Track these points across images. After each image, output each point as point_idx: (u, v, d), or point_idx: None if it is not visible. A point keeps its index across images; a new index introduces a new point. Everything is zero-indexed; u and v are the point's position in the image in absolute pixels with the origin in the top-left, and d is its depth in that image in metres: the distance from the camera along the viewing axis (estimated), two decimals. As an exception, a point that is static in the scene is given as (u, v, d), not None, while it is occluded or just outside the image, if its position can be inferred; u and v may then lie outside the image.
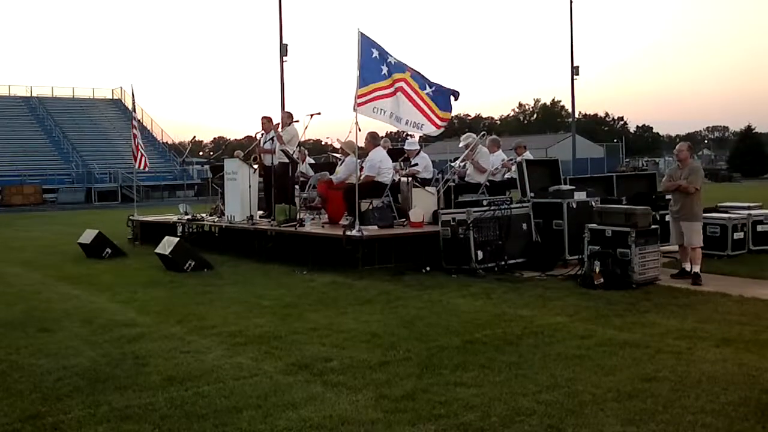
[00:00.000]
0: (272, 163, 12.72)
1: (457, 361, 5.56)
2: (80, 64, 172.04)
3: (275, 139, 12.55)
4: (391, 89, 10.27)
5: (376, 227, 10.53)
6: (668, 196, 9.67)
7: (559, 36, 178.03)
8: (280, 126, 12.84)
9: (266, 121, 13.19)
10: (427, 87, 10.39)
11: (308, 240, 11.11)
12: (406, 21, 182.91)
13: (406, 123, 10.37)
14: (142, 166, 16.33)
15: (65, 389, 5.08)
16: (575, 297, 8.05)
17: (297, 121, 12.89)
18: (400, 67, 10.33)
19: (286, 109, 13.75)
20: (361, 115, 10.31)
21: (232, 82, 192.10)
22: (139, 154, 15.91)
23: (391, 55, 10.30)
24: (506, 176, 12.68)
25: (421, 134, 10.93)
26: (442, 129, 10.81)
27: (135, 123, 16.50)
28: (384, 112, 10.30)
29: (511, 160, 12.79)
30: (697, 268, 8.84)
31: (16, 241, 17.49)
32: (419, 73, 10.46)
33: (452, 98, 10.57)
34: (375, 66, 10.22)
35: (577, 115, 63.37)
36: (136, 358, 5.87)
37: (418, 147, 12.99)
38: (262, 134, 13.16)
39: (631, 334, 6.30)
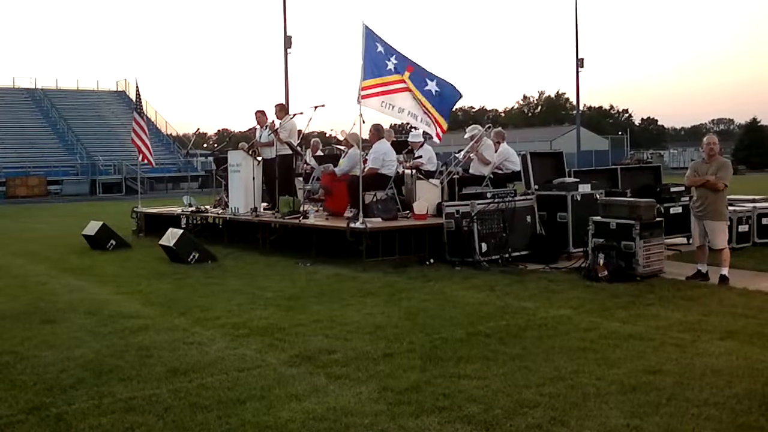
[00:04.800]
0: (275, 155, 12.69)
1: (461, 353, 5.56)
2: (84, 56, 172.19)
3: (273, 132, 12.52)
4: (402, 85, 10.23)
5: (379, 219, 10.52)
6: (692, 192, 8.96)
7: (564, 28, 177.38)
8: (275, 121, 12.83)
9: (260, 115, 13.36)
10: (428, 81, 10.28)
11: (312, 232, 11.11)
12: (410, 12, 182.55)
13: (421, 120, 10.32)
14: (142, 160, 16.30)
15: (69, 380, 5.09)
16: (579, 290, 8.04)
17: (301, 113, 12.87)
18: (402, 66, 10.24)
19: (278, 102, 13.69)
20: (366, 108, 10.28)
21: (236, 74, 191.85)
22: (141, 150, 15.83)
23: (394, 53, 10.23)
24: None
25: (429, 133, 10.86)
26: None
27: (137, 117, 16.38)
28: (392, 107, 10.25)
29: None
30: (725, 271, 8.25)
31: (20, 233, 17.54)
32: (421, 68, 10.37)
33: (455, 95, 10.51)
34: (380, 61, 10.17)
35: (581, 108, 63.22)
36: (140, 349, 5.88)
37: (422, 139, 12.94)
38: (257, 128, 13.26)
39: (635, 327, 6.29)
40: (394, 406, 4.44)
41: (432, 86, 10.31)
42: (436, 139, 10.80)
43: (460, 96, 10.63)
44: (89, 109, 53.36)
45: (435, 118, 10.28)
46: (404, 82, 10.23)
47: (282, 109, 13.08)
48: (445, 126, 10.44)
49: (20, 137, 47.18)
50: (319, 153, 15.32)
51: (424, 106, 10.26)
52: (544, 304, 7.36)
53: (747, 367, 5.10)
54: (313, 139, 15.17)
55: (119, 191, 42.15)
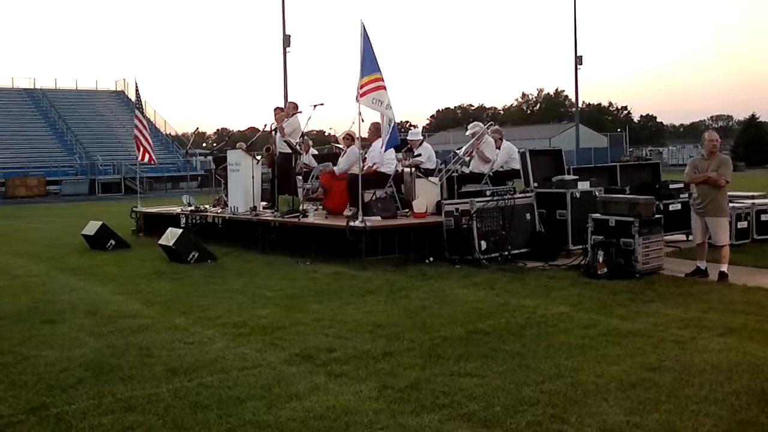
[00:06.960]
0: (275, 153, 12.72)
1: (461, 351, 5.57)
2: (83, 56, 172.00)
3: (277, 129, 12.56)
4: (383, 82, 10.20)
5: (379, 218, 10.52)
6: (692, 190, 8.81)
7: (563, 25, 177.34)
8: (284, 116, 12.85)
9: (278, 111, 13.24)
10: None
11: (311, 231, 11.11)
12: (409, 10, 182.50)
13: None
14: (147, 160, 16.27)
15: (69, 380, 5.10)
16: (579, 287, 8.05)
17: (300, 112, 12.89)
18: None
19: (290, 100, 13.67)
20: (364, 106, 10.28)
21: (235, 74, 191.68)
22: (144, 148, 15.82)
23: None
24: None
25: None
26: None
27: (140, 116, 16.36)
28: (381, 103, 10.25)
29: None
30: (724, 267, 8.25)
31: (20, 233, 17.54)
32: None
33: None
34: (373, 57, 10.17)
35: (580, 105, 63.16)
36: (140, 349, 5.89)
37: (422, 137, 12.95)
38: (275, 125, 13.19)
39: (634, 324, 6.30)
40: (394, 404, 4.45)
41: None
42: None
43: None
44: (88, 109, 53.36)
45: None
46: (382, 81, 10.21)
47: (293, 107, 13.10)
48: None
49: (19, 137, 47.16)
50: (313, 151, 15.28)
51: None
52: (543, 301, 7.36)
53: (746, 363, 5.11)
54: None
55: (118, 191, 42.13)
